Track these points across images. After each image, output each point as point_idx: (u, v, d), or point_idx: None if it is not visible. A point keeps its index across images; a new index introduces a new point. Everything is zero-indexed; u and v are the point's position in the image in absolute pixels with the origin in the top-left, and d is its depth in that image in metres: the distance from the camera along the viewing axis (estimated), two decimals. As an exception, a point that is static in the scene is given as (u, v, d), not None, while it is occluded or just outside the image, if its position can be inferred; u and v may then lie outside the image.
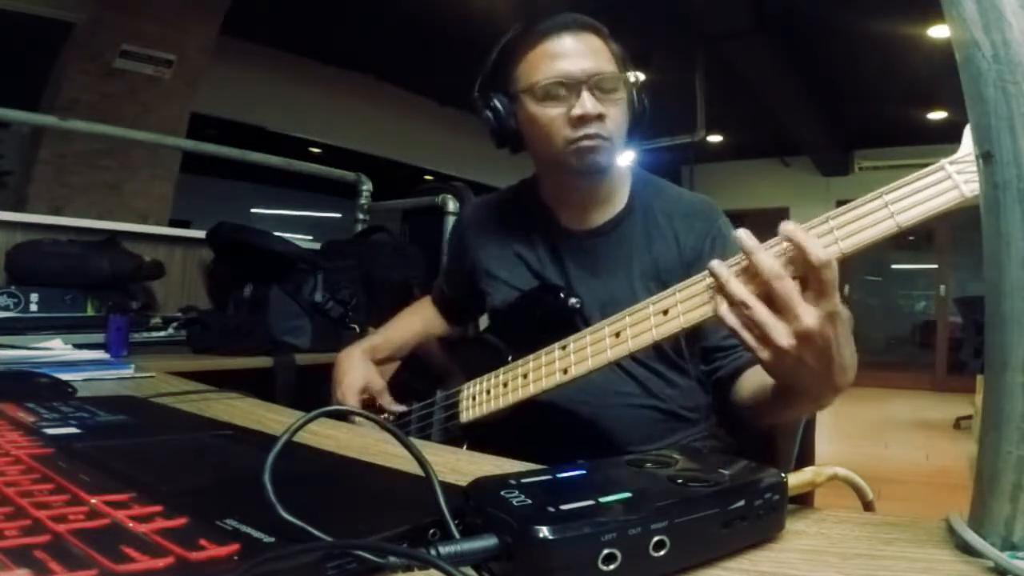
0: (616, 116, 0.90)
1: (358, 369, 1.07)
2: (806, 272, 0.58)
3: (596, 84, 0.88)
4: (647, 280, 0.93)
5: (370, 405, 1.06)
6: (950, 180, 0.57)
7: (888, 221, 0.59)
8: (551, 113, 0.89)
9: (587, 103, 0.87)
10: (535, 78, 0.90)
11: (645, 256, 0.95)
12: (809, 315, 0.58)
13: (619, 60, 0.93)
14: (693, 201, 1.00)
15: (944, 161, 0.58)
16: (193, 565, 0.32)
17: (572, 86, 0.88)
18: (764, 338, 0.60)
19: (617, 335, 0.74)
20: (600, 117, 0.88)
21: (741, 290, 0.60)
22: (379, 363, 1.11)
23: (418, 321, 1.19)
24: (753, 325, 0.60)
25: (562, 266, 0.99)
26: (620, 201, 0.99)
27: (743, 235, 0.61)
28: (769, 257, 0.59)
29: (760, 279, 0.60)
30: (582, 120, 0.88)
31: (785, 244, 0.60)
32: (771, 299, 0.59)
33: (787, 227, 0.59)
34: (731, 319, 0.61)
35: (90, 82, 3.83)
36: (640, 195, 1.00)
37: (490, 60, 0.97)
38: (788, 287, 0.58)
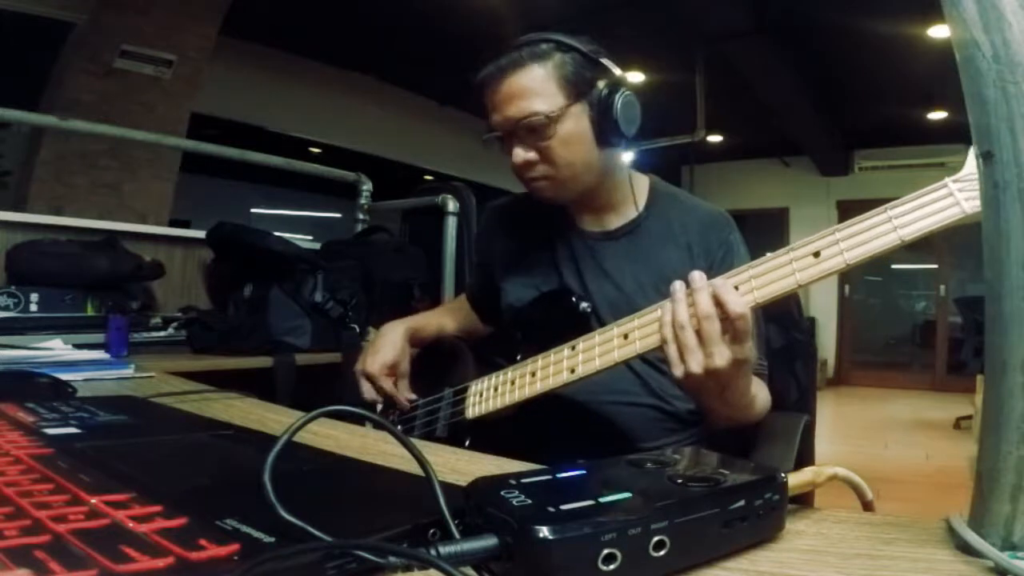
0: (553, 153, 0.91)
1: (394, 347, 1.06)
2: (725, 320, 0.68)
3: (524, 129, 0.91)
4: (658, 284, 0.94)
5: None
6: (952, 197, 0.60)
7: (891, 235, 0.62)
8: (508, 159, 0.95)
9: (517, 154, 0.93)
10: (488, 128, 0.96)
11: (658, 261, 0.97)
12: (721, 356, 0.69)
13: (567, 80, 0.90)
14: (709, 212, 1.02)
15: (948, 180, 0.60)
16: (193, 565, 0.32)
17: (505, 135, 0.93)
18: (682, 358, 0.70)
19: (625, 336, 0.76)
20: (529, 163, 0.92)
21: (683, 313, 0.70)
22: (417, 344, 1.11)
23: (458, 315, 1.20)
24: (679, 344, 0.70)
25: (577, 267, 1.00)
26: (638, 205, 1.01)
27: (696, 276, 0.71)
28: (707, 298, 0.69)
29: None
30: (514, 167, 0.94)
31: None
32: (698, 333, 0.69)
33: (715, 282, 0.69)
34: (666, 331, 0.71)
35: (90, 82, 3.82)
36: (658, 202, 1.02)
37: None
38: (712, 328, 0.68)
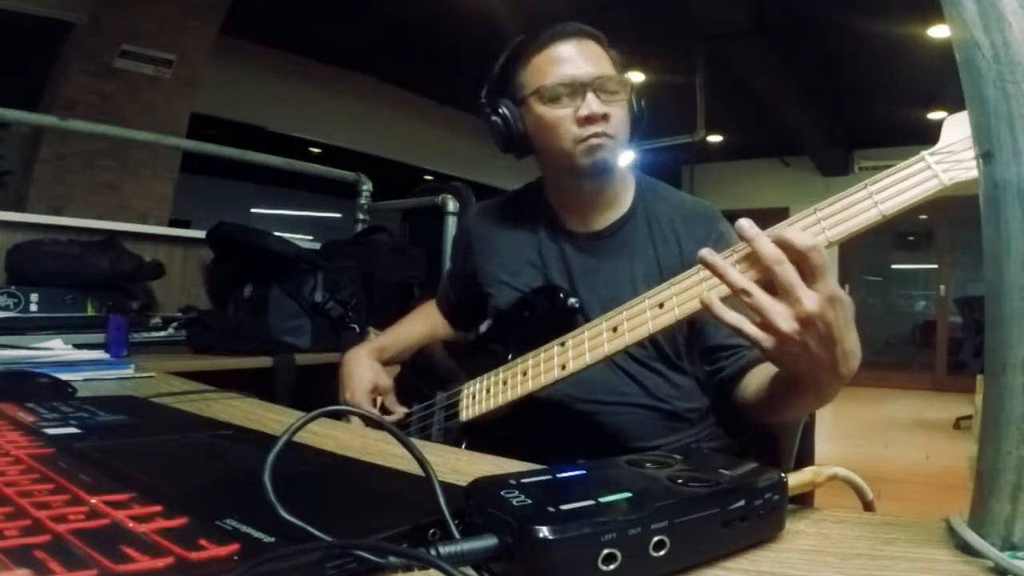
0: (619, 116, 0.93)
1: (366, 370, 1.07)
2: (796, 261, 0.59)
3: (600, 86, 0.92)
4: (649, 282, 0.93)
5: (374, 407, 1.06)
6: (930, 170, 0.59)
7: (872, 210, 0.62)
8: (559, 113, 0.93)
9: (592, 104, 0.91)
10: (542, 82, 0.93)
11: (647, 259, 0.96)
12: (809, 298, 0.58)
13: (618, 66, 0.96)
14: (696, 206, 1.02)
15: (924, 153, 0.60)
16: (193, 565, 0.32)
17: (577, 88, 0.92)
18: (766, 325, 0.60)
19: (614, 329, 0.76)
20: (605, 117, 0.91)
21: (740, 278, 0.61)
22: (385, 363, 1.12)
23: (424, 324, 1.20)
24: (755, 312, 0.60)
25: (567, 269, 1.00)
26: (624, 204, 1.01)
27: (745, 224, 0.61)
28: (769, 243, 0.60)
29: (760, 267, 0.61)
30: (589, 120, 0.91)
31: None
32: (772, 285, 0.60)
33: (772, 230, 0.61)
34: (729, 315, 0.61)
35: (90, 82, 3.83)
36: (644, 199, 1.01)
37: (496, 67, 1.00)
38: (789, 271, 0.59)
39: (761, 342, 0.61)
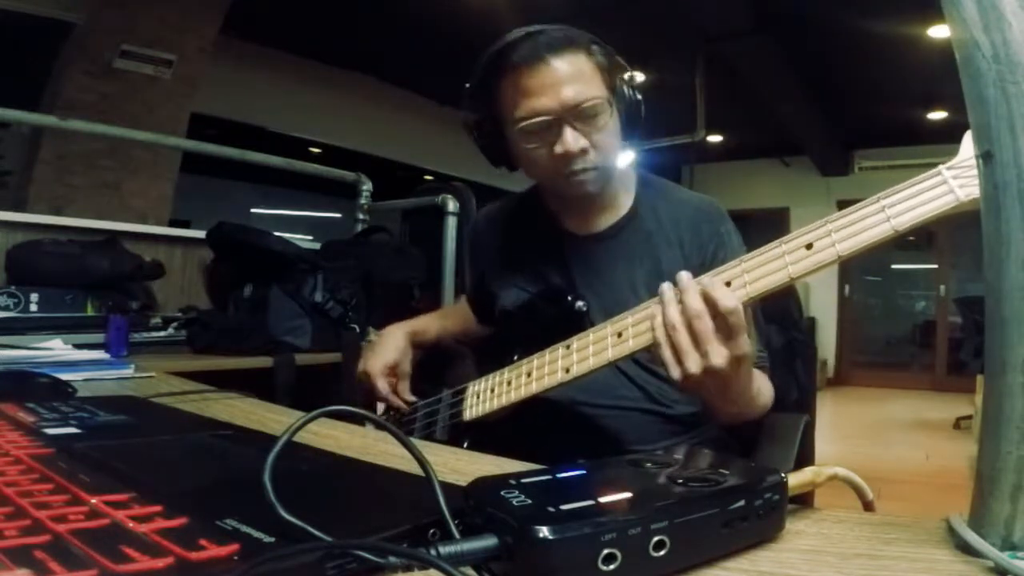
0: (603, 141, 0.89)
1: (397, 349, 1.06)
2: (717, 317, 0.66)
3: (577, 115, 0.86)
4: (651, 283, 0.93)
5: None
6: (946, 185, 0.58)
7: (884, 225, 0.61)
8: (537, 152, 0.89)
9: (568, 140, 0.86)
10: (515, 115, 0.88)
11: (649, 259, 0.96)
12: (718, 355, 0.67)
13: (604, 70, 0.89)
14: (699, 204, 1.00)
15: (941, 167, 0.59)
16: (193, 565, 0.32)
17: (552, 123, 0.86)
18: (678, 359, 0.68)
19: (619, 335, 0.76)
20: (584, 151, 0.87)
21: (675, 314, 0.68)
22: (420, 346, 1.11)
23: (460, 316, 1.19)
24: (672, 345, 0.68)
25: (567, 270, 0.99)
26: (624, 204, 1.00)
27: (683, 276, 0.69)
28: (696, 297, 0.67)
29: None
30: (566, 156, 0.87)
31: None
32: (691, 332, 0.68)
33: (703, 280, 0.68)
34: (659, 334, 0.70)
35: (90, 82, 3.83)
36: (645, 198, 1.00)
37: (470, 83, 0.93)
38: (704, 327, 0.66)
39: (669, 369, 0.69)
